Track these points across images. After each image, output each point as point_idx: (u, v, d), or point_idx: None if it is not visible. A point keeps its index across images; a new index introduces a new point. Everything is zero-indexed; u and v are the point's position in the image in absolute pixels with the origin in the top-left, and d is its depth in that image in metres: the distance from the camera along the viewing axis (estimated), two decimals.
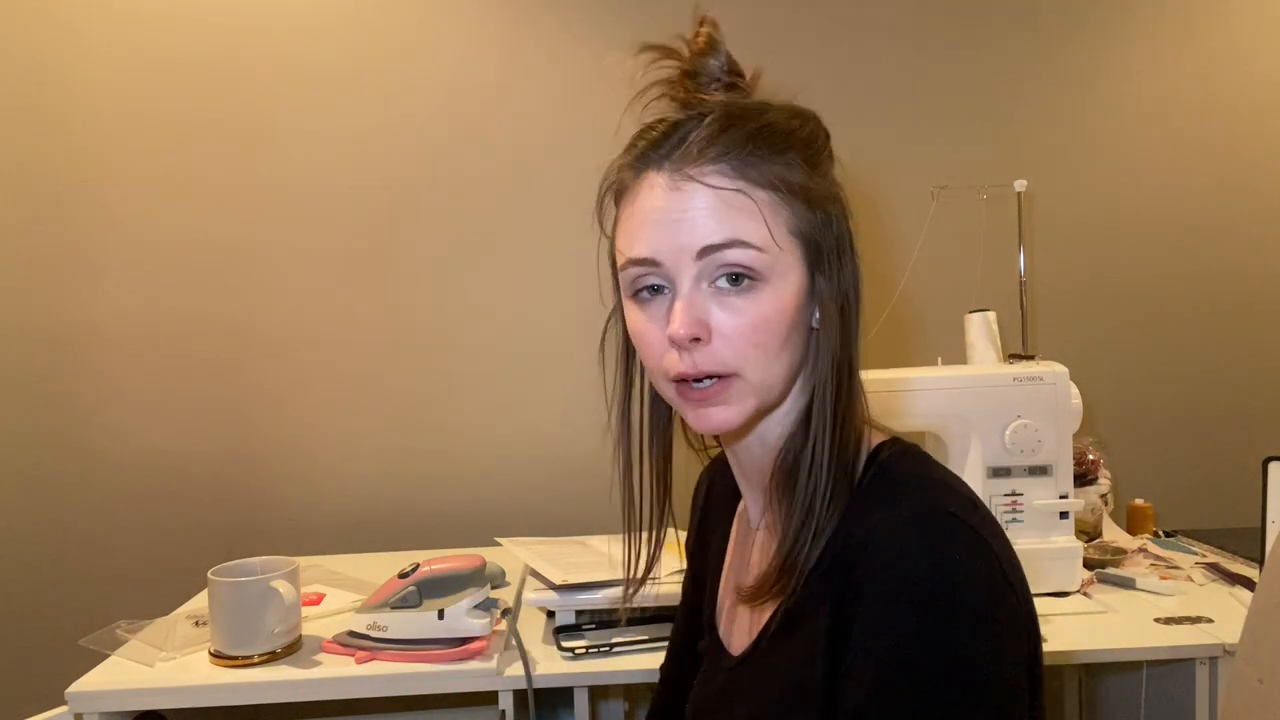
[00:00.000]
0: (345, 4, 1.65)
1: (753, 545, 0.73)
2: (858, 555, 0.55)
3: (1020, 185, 1.40)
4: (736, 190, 0.58)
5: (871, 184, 1.71)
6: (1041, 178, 1.68)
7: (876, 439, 0.65)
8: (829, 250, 0.61)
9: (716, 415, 0.61)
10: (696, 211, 0.58)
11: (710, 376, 0.60)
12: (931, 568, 0.52)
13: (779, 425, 0.66)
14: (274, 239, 1.67)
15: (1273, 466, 1.22)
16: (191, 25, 1.63)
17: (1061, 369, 1.25)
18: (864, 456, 0.63)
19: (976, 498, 0.60)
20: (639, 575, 0.73)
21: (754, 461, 0.69)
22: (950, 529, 0.54)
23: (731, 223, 0.58)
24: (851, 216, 0.64)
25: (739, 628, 0.71)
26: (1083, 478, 1.45)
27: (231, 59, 1.64)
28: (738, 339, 0.59)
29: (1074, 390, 1.25)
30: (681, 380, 0.60)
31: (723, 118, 0.59)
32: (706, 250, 0.58)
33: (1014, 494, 1.24)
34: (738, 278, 0.58)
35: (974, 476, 1.24)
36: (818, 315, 0.62)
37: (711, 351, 0.59)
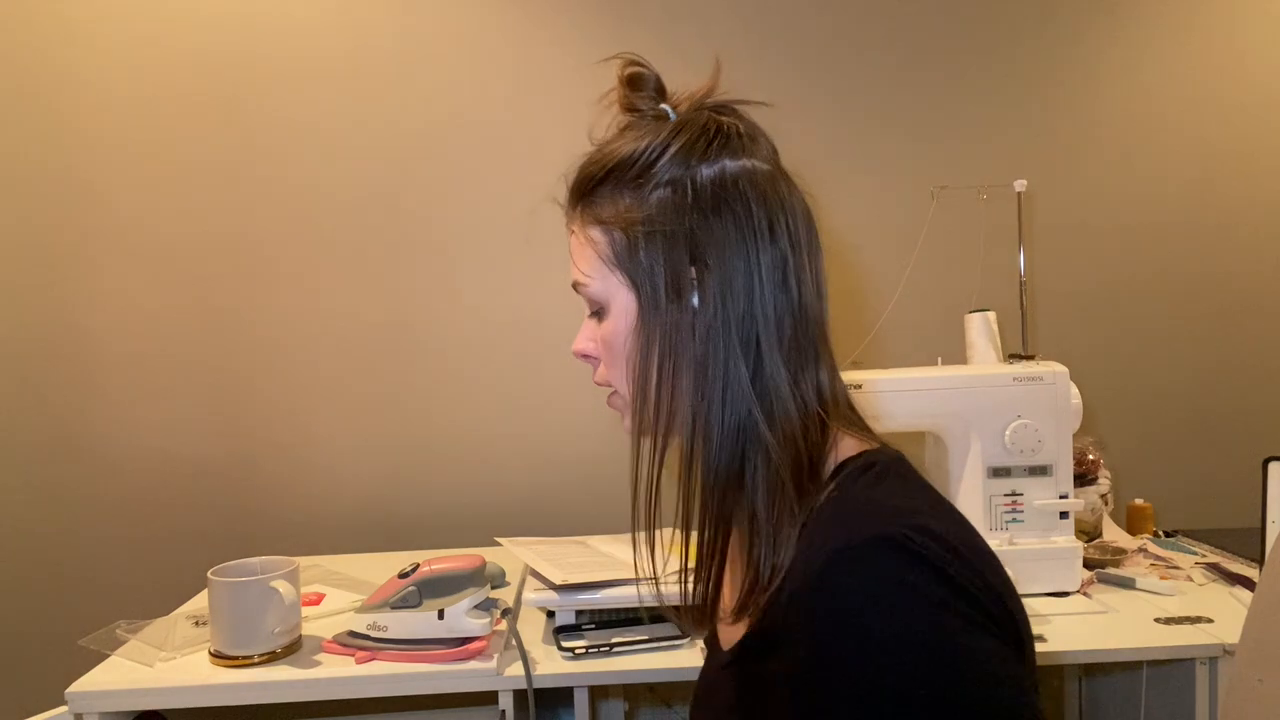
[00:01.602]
0: None
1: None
2: (786, 585, 0.55)
3: (1020, 185, 1.40)
4: (581, 230, 0.66)
5: (871, 184, 1.71)
6: (1041, 178, 1.68)
7: (847, 452, 0.62)
8: (644, 270, 0.63)
9: (623, 422, 0.68)
10: (571, 253, 0.68)
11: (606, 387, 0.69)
12: (850, 601, 0.50)
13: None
14: (275, 239, 1.67)
15: (1273, 466, 1.23)
16: (193, 21, 1.63)
17: (1061, 369, 1.25)
18: (828, 474, 0.61)
19: (932, 523, 0.53)
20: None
21: None
22: (879, 555, 0.51)
23: (575, 263, 0.67)
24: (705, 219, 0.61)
25: (734, 630, 0.70)
26: (1083, 478, 1.45)
27: (233, 55, 1.64)
28: (603, 358, 0.67)
29: (1074, 390, 1.26)
30: None
31: (577, 168, 0.67)
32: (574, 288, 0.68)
33: (1014, 494, 1.24)
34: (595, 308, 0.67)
35: (974, 476, 1.24)
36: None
37: (599, 368, 0.69)
